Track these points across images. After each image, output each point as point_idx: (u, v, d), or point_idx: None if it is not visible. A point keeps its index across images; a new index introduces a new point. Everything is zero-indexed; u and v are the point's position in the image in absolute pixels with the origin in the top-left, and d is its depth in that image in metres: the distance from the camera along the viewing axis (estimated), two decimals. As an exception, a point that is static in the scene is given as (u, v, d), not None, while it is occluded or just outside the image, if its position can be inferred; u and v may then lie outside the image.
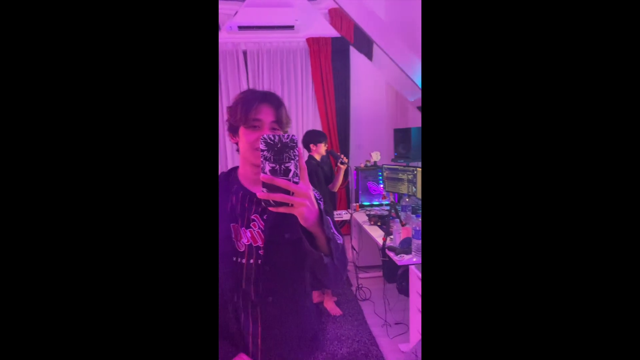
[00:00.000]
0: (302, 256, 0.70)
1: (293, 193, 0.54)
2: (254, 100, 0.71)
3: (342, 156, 2.37)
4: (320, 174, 2.26)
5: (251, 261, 0.71)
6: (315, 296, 2.48)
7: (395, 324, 2.21)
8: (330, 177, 2.43)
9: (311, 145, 2.29)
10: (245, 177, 0.76)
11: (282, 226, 0.72)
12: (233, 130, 0.75)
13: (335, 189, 2.47)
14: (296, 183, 0.54)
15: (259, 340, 0.72)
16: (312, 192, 0.58)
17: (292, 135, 0.54)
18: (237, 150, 0.76)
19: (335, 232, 0.68)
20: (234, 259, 0.71)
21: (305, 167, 0.57)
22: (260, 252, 0.72)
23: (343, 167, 2.36)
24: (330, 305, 2.43)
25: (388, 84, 3.60)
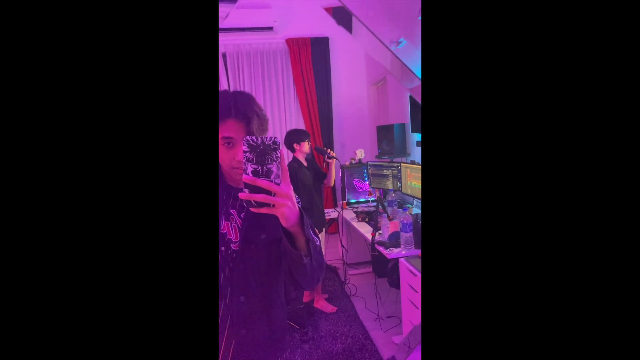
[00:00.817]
0: (277, 257, 0.71)
1: (275, 194, 0.55)
2: (222, 115, 0.67)
3: (329, 150, 2.36)
4: (304, 177, 2.23)
5: (222, 248, 0.71)
6: (306, 295, 2.48)
7: (387, 317, 2.24)
8: (320, 175, 2.43)
9: (294, 145, 2.26)
10: (226, 172, 0.74)
11: (259, 227, 0.72)
12: None
13: (331, 184, 2.47)
14: (278, 184, 0.55)
15: (225, 338, 0.72)
16: (292, 193, 0.58)
17: (275, 138, 0.54)
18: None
19: (312, 233, 0.68)
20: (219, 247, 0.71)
21: (287, 168, 0.57)
22: (234, 246, 0.71)
23: (332, 162, 2.37)
24: (322, 304, 2.44)
25: (369, 82, 3.65)
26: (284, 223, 0.59)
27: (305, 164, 2.30)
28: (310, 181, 2.29)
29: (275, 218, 0.59)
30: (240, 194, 0.54)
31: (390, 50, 0.70)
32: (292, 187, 0.59)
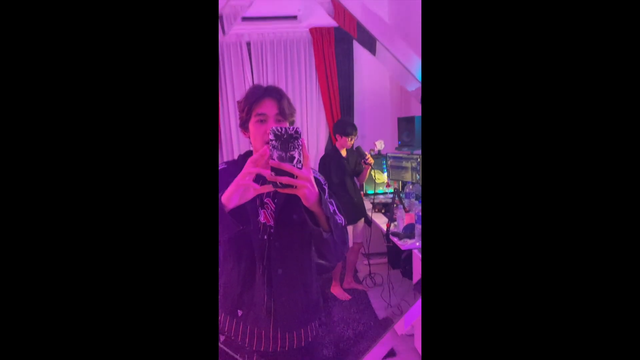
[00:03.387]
0: (308, 235, 0.80)
1: (297, 177, 0.62)
2: (258, 95, 0.79)
3: (368, 156, 2.35)
4: (337, 166, 2.23)
5: (265, 237, 0.82)
6: (334, 287, 2.55)
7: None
8: (357, 171, 2.46)
9: (337, 135, 2.25)
10: (260, 163, 0.81)
11: (290, 209, 0.81)
12: (244, 127, 0.84)
13: (364, 182, 2.57)
14: (299, 168, 0.63)
15: (272, 304, 0.83)
16: (312, 177, 0.66)
17: (297, 128, 0.63)
18: (250, 144, 0.84)
19: (338, 213, 0.79)
20: (257, 235, 0.82)
21: (308, 155, 0.64)
22: (272, 230, 0.82)
23: (368, 167, 2.39)
24: (338, 291, 2.50)
25: (392, 74, 3.60)
26: (305, 202, 0.67)
27: (344, 154, 2.31)
28: (345, 172, 2.29)
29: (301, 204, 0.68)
30: (267, 176, 0.62)
31: (411, 73, 0.71)
32: (312, 171, 0.67)
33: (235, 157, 0.92)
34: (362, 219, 2.49)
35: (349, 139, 2.27)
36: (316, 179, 0.70)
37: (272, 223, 0.82)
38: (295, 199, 0.67)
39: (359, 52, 3.56)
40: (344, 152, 2.33)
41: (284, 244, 0.82)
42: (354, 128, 2.33)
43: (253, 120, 0.79)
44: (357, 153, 2.41)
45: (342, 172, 2.28)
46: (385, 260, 2.98)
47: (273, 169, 0.62)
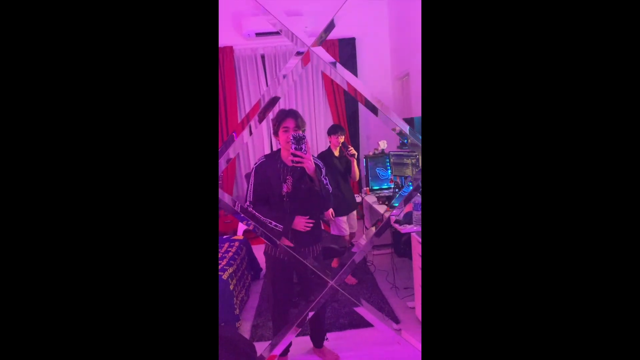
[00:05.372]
0: (312, 196, 1.45)
1: (304, 158, 1.30)
2: (284, 115, 1.45)
3: (350, 148, 2.63)
4: (331, 165, 2.56)
5: (287, 199, 1.48)
6: (335, 262, 2.84)
7: (404, 288, 2.56)
8: (348, 167, 2.71)
9: (329, 138, 2.62)
10: (284, 156, 1.50)
11: (301, 181, 1.45)
12: (275, 134, 1.49)
13: (356, 179, 2.77)
14: (305, 153, 1.30)
15: (281, 254, 1.49)
16: (312, 158, 1.33)
17: (303, 134, 1.31)
18: (278, 142, 1.50)
19: (328, 184, 1.48)
20: (281, 198, 1.47)
21: (309, 148, 1.30)
22: (287, 196, 1.48)
23: (352, 159, 2.68)
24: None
25: (394, 77, 3.90)
26: (307, 171, 1.35)
27: (336, 154, 2.63)
28: (338, 170, 2.63)
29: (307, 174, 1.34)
30: (289, 158, 1.33)
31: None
32: (312, 157, 1.36)
33: (249, 150, 1.52)
34: (355, 212, 2.78)
35: (337, 136, 2.60)
36: (316, 164, 1.40)
37: (290, 191, 1.46)
38: (304, 174, 1.36)
39: (362, 57, 3.87)
40: (337, 152, 2.64)
41: (296, 206, 1.48)
42: (340, 127, 2.66)
43: (281, 130, 1.44)
44: (342, 147, 2.72)
45: (335, 170, 2.59)
46: (390, 251, 3.27)
47: (292, 154, 1.31)
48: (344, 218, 2.68)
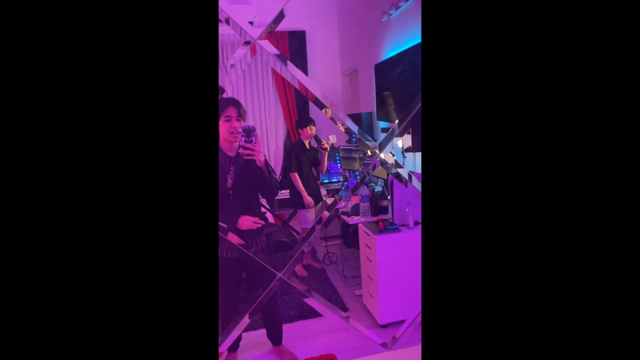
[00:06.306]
0: (257, 188, 1.47)
1: (254, 150, 1.28)
2: (225, 105, 1.39)
3: (323, 142, 2.65)
4: (302, 157, 2.57)
5: (231, 194, 1.45)
6: (300, 268, 2.85)
7: (352, 277, 2.65)
8: (317, 161, 2.72)
9: (299, 130, 2.60)
10: (225, 148, 1.48)
11: (246, 172, 1.43)
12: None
13: (323, 171, 2.81)
14: (254, 145, 1.29)
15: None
16: (261, 149, 1.31)
17: (253, 126, 1.29)
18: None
19: (275, 175, 1.48)
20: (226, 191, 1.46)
21: (259, 140, 1.29)
22: (234, 187, 1.46)
23: (325, 152, 2.70)
24: (298, 268, 2.82)
25: (342, 73, 3.98)
26: (257, 163, 1.35)
27: (307, 146, 2.63)
28: (308, 163, 2.63)
29: (255, 165, 1.35)
30: (240, 150, 1.31)
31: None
32: (261, 147, 1.28)
33: None
34: (320, 203, 2.83)
35: (309, 128, 2.60)
36: (266, 160, 1.39)
37: (232, 183, 1.45)
38: (249, 165, 1.36)
39: (312, 52, 3.89)
40: (307, 144, 2.65)
41: (240, 193, 1.47)
42: (311, 119, 2.67)
43: (222, 120, 1.39)
44: (315, 139, 2.75)
45: (305, 163, 2.60)
46: (339, 242, 3.36)
47: (242, 147, 1.30)
48: (312, 210, 2.70)
